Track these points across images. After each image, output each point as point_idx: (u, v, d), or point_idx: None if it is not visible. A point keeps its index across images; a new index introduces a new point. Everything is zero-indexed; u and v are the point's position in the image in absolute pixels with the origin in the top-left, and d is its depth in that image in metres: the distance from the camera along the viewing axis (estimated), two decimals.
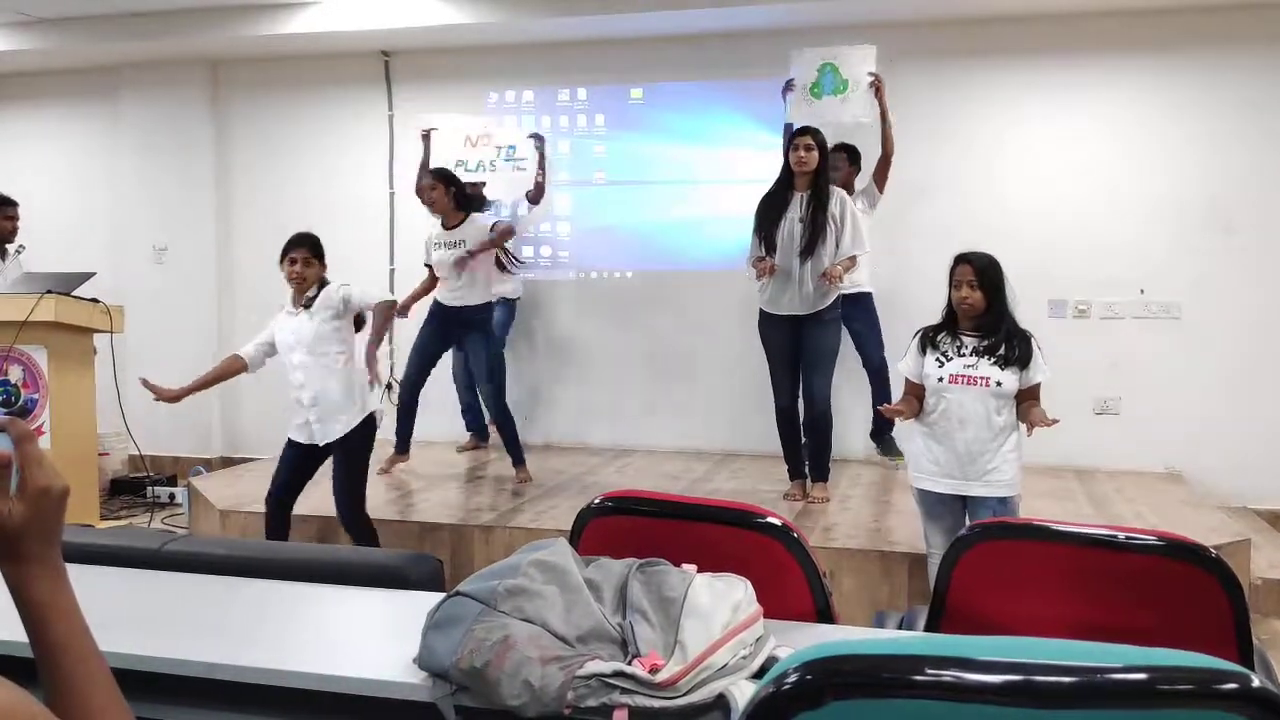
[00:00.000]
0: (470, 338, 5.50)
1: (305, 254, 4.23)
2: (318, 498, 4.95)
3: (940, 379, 3.52)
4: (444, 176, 5.43)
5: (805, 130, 4.79)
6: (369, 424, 4.32)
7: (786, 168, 4.77)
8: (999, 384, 3.46)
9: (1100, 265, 5.92)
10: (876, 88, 5.28)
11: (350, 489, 4.32)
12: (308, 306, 4.25)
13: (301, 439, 4.33)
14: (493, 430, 6.41)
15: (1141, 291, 5.91)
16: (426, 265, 5.52)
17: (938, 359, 3.55)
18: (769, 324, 4.90)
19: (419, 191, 5.58)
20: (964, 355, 3.51)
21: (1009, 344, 3.48)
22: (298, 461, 4.37)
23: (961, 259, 3.54)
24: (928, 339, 3.61)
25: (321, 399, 4.24)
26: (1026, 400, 3.50)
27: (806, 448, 5.04)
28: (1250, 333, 5.78)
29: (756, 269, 4.76)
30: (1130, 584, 1.94)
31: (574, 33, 6.41)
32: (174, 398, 4.23)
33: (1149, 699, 1.00)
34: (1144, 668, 1.01)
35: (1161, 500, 5.16)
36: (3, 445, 0.95)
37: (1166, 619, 1.88)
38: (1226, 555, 2.17)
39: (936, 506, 3.61)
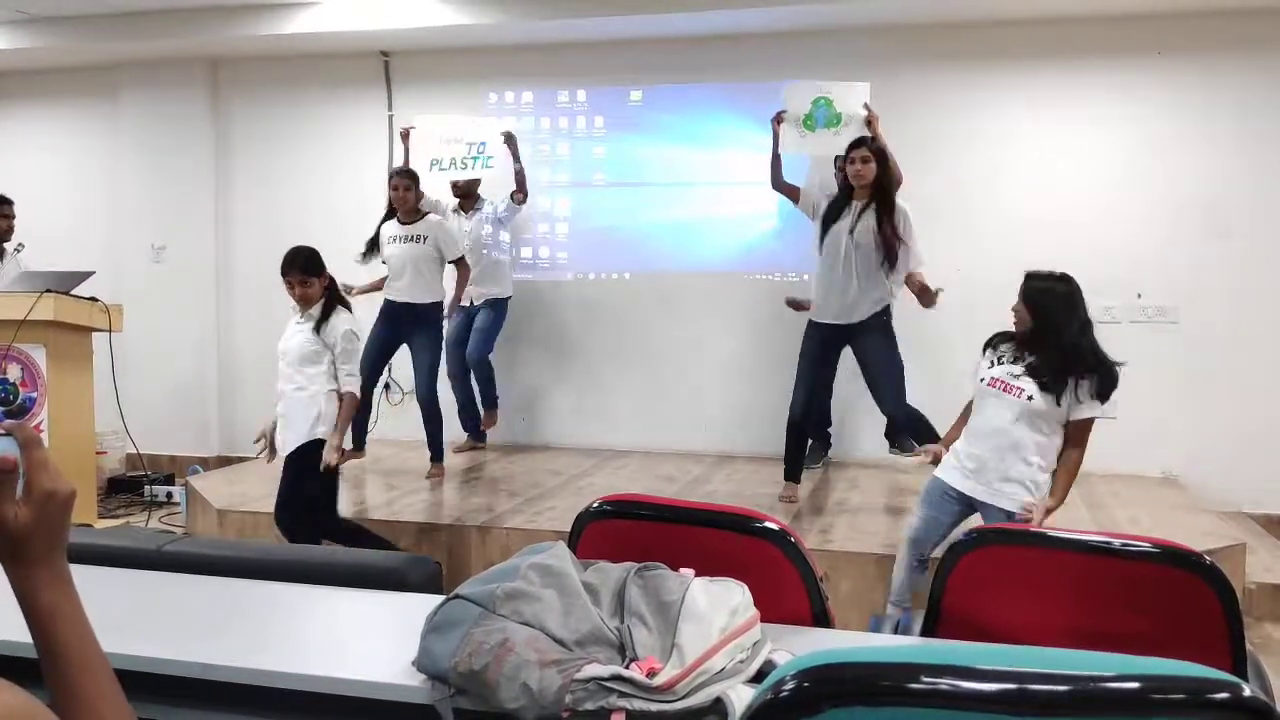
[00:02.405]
0: (417, 336, 5.55)
1: (298, 276, 4.25)
2: None
3: (983, 379, 3.55)
4: (415, 176, 5.61)
5: (860, 142, 4.83)
6: (315, 448, 4.28)
7: (845, 181, 4.86)
8: (1030, 398, 3.43)
9: (1097, 269, 5.85)
10: (870, 123, 5.29)
11: (289, 500, 4.29)
12: (316, 328, 4.27)
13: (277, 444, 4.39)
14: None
15: (1139, 296, 5.92)
16: (369, 259, 5.60)
17: (991, 361, 3.58)
18: (811, 328, 4.98)
19: (392, 188, 5.59)
20: (1015, 364, 3.51)
21: (1054, 369, 3.42)
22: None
23: (1026, 275, 3.56)
24: (992, 341, 3.64)
25: (288, 411, 4.29)
26: (1072, 435, 3.47)
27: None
28: (1247, 337, 5.79)
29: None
30: (1125, 590, 1.95)
31: (573, 34, 6.41)
32: None
33: (1143, 708, 1.01)
34: (1138, 677, 1.02)
35: (1157, 505, 5.17)
36: (9, 449, 0.96)
37: (1161, 625, 1.89)
38: (1221, 560, 2.19)
39: (941, 498, 3.61)
